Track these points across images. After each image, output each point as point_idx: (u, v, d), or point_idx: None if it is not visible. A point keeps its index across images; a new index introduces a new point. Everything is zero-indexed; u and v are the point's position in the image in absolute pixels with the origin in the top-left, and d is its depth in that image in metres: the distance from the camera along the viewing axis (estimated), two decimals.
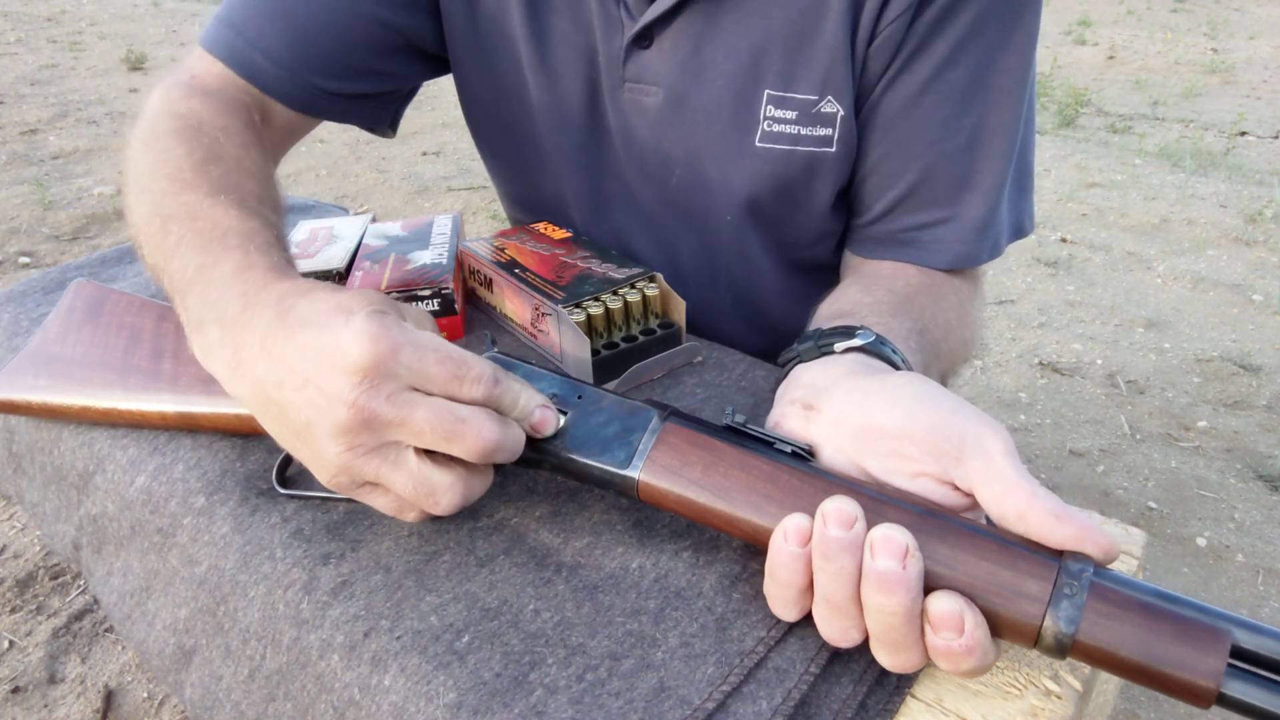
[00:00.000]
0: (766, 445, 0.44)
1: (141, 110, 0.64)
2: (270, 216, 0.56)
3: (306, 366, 0.41)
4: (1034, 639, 0.36)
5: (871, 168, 0.68)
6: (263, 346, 0.43)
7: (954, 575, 0.37)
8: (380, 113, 0.78)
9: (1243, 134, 4.25)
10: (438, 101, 4.37)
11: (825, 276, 0.79)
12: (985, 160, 0.65)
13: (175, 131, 0.60)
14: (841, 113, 0.65)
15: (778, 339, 0.81)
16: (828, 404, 0.46)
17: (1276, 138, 4.20)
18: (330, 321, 0.42)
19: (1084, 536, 0.37)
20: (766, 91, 0.65)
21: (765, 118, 0.66)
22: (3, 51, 5.14)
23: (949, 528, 0.39)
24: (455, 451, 0.42)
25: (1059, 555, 0.37)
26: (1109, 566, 0.38)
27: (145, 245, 0.56)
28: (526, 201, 0.86)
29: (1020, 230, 0.71)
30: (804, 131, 0.66)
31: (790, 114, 0.65)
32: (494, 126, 0.81)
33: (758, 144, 0.67)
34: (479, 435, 0.42)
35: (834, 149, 0.66)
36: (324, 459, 0.42)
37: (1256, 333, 2.44)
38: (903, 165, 0.66)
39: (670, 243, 0.77)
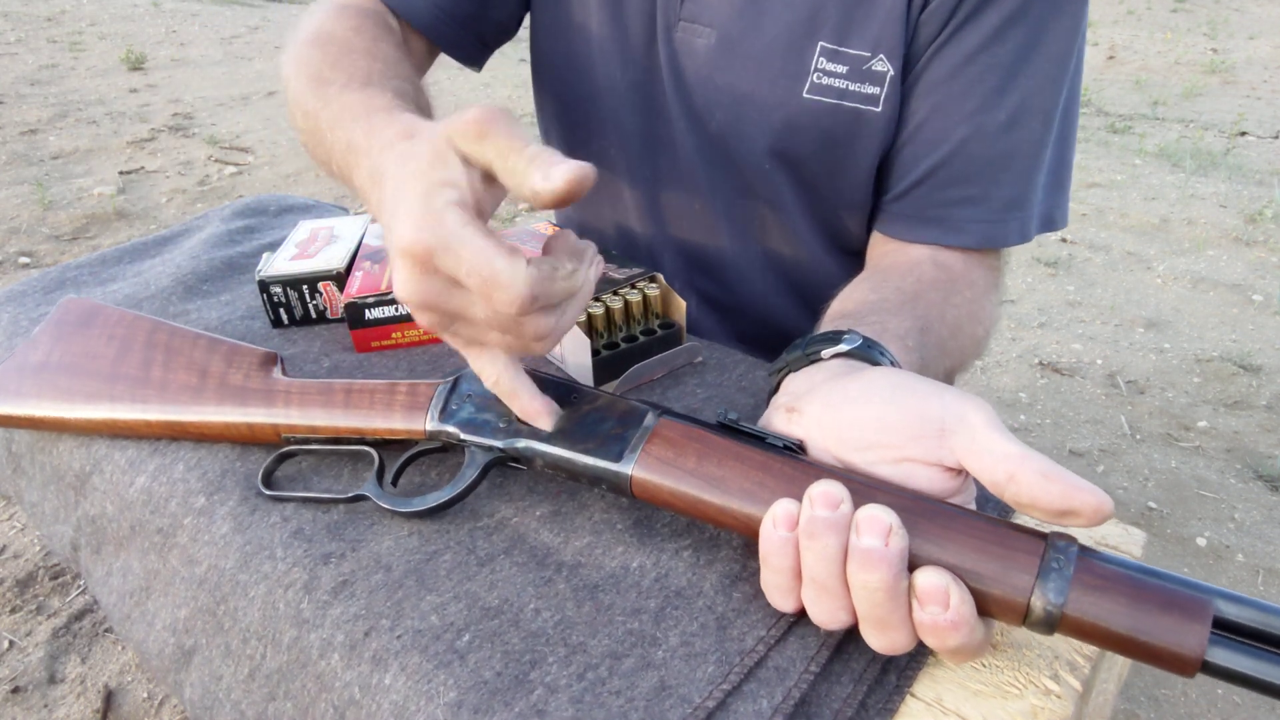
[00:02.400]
0: (759, 440, 0.44)
1: (292, 38, 0.70)
2: (392, 82, 0.60)
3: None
4: (1023, 614, 0.37)
5: (909, 136, 0.68)
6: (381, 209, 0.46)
7: (944, 555, 0.38)
8: (476, 48, 0.82)
9: (1243, 134, 4.25)
10: (437, 102, 4.37)
11: (856, 254, 0.80)
12: (1022, 142, 0.66)
13: (311, 42, 0.67)
14: (891, 73, 0.66)
15: (803, 302, 0.82)
16: (809, 406, 0.46)
17: (1276, 138, 4.20)
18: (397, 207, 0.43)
19: (1072, 493, 0.37)
20: (820, 44, 0.67)
21: (815, 69, 0.67)
22: (3, 51, 5.14)
23: (938, 510, 0.39)
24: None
25: (1045, 536, 0.38)
26: (1100, 544, 0.38)
27: (309, 143, 0.62)
28: (572, 133, 0.87)
29: (1051, 222, 0.71)
30: (852, 87, 0.67)
31: (841, 68, 0.67)
32: (552, 57, 0.83)
33: (805, 95, 0.68)
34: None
35: (880, 109, 0.67)
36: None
37: (1256, 333, 2.44)
38: (940, 134, 0.67)
39: (706, 190, 0.79)
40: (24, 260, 2.63)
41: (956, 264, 0.69)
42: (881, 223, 0.74)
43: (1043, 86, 0.65)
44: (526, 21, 0.85)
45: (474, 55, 0.83)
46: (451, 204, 0.41)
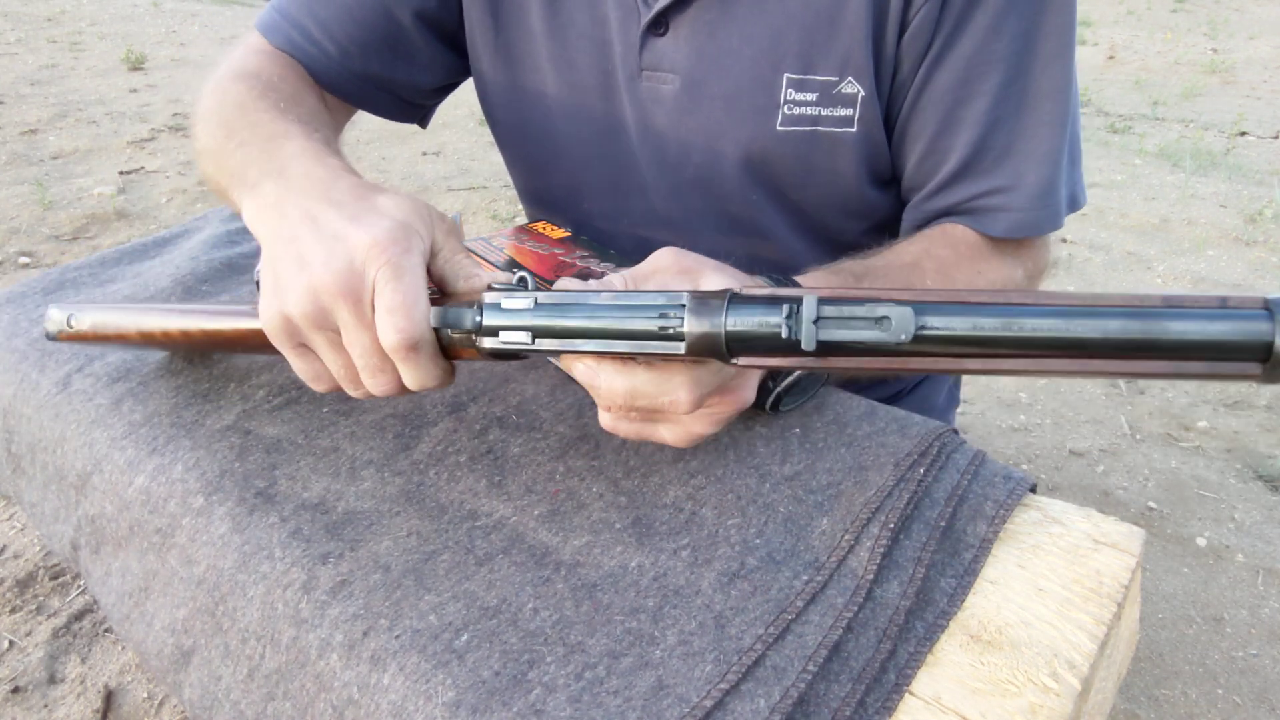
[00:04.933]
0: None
1: (211, 76, 0.71)
2: (325, 130, 0.63)
3: (304, 247, 0.47)
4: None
5: (927, 148, 0.68)
6: (301, 208, 0.49)
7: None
8: (396, 107, 0.80)
9: (1243, 134, 4.25)
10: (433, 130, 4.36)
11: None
12: (1038, 126, 0.65)
13: (236, 77, 0.67)
14: (862, 93, 0.65)
15: None
16: None
17: (1276, 138, 4.20)
18: (341, 230, 0.46)
19: None
20: (786, 75, 0.66)
21: (785, 101, 0.67)
22: (3, 51, 5.14)
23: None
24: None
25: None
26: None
27: (208, 158, 0.62)
28: (542, 196, 0.87)
29: (1074, 203, 0.71)
30: (824, 112, 0.67)
31: (810, 96, 0.66)
32: (511, 120, 0.82)
33: (779, 128, 0.68)
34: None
35: (854, 129, 0.67)
36: (276, 306, 0.47)
37: None
38: (956, 140, 0.66)
39: (687, 234, 0.78)
40: (24, 260, 2.63)
41: (965, 233, 0.68)
42: (912, 223, 0.73)
43: (1048, 66, 0.64)
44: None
45: (397, 112, 0.81)
46: (419, 245, 0.46)
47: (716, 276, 0.45)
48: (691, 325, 0.38)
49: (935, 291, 0.34)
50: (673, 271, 0.46)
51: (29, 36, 5.61)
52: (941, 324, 0.33)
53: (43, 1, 6.60)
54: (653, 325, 0.39)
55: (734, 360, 0.38)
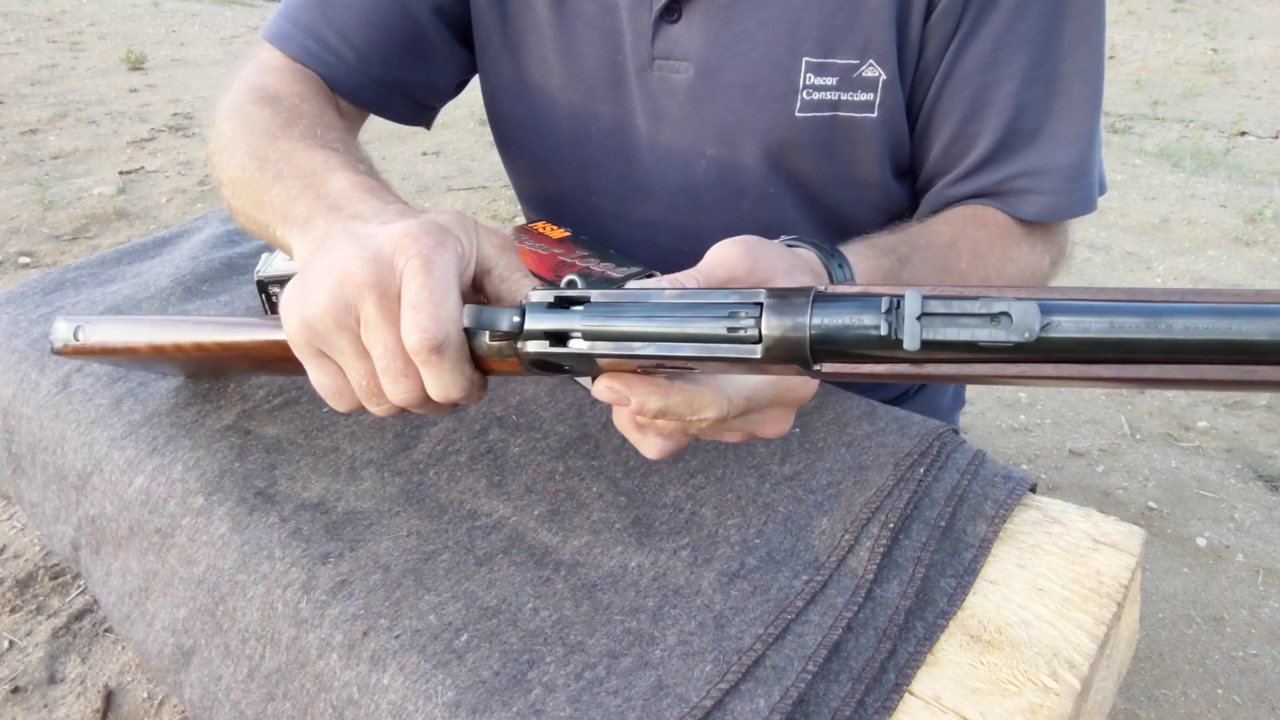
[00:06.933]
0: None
1: (224, 96, 0.69)
2: (355, 150, 0.61)
3: (335, 252, 0.43)
4: None
5: (955, 133, 0.67)
6: (348, 231, 0.46)
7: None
8: (410, 110, 0.79)
9: (1243, 134, 4.25)
10: (433, 137, 4.35)
11: None
12: (1067, 108, 0.64)
13: (256, 101, 0.64)
14: (884, 77, 0.64)
15: None
16: None
17: (1276, 138, 4.20)
18: (354, 245, 0.43)
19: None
20: (805, 59, 0.65)
21: (805, 86, 0.65)
22: (3, 51, 5.14)
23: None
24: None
25: None
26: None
27: (240, 190, 0.59)
28: (546, 196, 0.85)
29: (1102, 186, 0.70)
30: (844, 97, 0.65)
31: (830, 80, 0.65)
32: (516, 116, 0.81)
33: (798, 114, 0.66)
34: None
35: (875, 114, 0.66)
36: (300, 306, 0.43)
37: None
38: (984, 125, 0.65)
39: (697, 231, 0.76)
40: (24, 260, 2.63)
41: (996, 215, 0.67)
42: (932, 207, 0.72)
43: (1076, 47, 0.63)
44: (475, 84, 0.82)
45: (410, 116, 0.80)
46: (454, 245, 0.43)
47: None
48: (770, 326, 0.33)
49: (1057, 289, 0.30)
50: (749, 284, 0.42)
51: (29, 36, 5.61)
52: (1072, 323, 0.29)
53: (43, 1, 6.60)
54: (720, 327, 0.35)
55: (818, 366, 0.33)
